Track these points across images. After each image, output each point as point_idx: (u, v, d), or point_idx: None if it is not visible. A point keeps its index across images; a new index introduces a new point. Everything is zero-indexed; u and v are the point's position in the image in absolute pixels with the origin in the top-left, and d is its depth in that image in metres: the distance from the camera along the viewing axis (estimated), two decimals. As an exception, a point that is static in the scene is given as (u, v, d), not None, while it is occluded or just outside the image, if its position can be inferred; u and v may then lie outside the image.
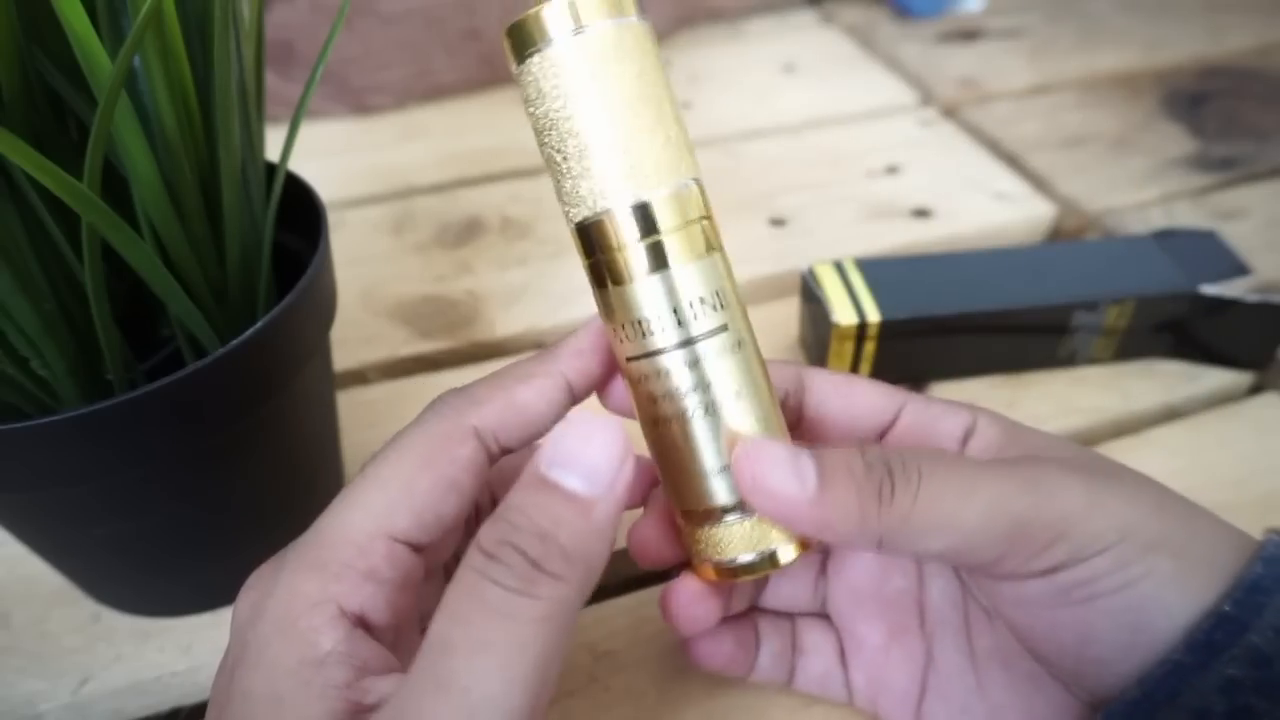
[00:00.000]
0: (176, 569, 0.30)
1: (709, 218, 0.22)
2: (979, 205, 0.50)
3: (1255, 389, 0.40)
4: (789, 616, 0.27)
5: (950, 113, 0.60)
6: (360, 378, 0.41)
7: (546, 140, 0.21)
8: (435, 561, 0.22)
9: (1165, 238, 0.40)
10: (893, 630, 0.25)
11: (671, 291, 0.21)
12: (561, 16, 0.20)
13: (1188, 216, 0.49)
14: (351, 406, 0.38)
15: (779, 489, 0.20)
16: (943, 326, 0.37)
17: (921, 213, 0.50)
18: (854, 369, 0.38)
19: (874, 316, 0.36)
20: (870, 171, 0.53)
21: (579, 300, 0.44)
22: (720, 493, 0.21)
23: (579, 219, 0.21)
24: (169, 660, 0.30)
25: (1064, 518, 0.20)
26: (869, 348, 0.37)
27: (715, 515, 0.22)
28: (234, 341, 0.24)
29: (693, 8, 0.70)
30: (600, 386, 0.24)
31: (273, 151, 0.29)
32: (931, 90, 0.62)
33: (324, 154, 0.57)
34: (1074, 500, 0.20)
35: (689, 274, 0.21)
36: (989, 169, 0.53)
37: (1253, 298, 0.37)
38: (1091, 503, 0.20)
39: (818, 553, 0.26)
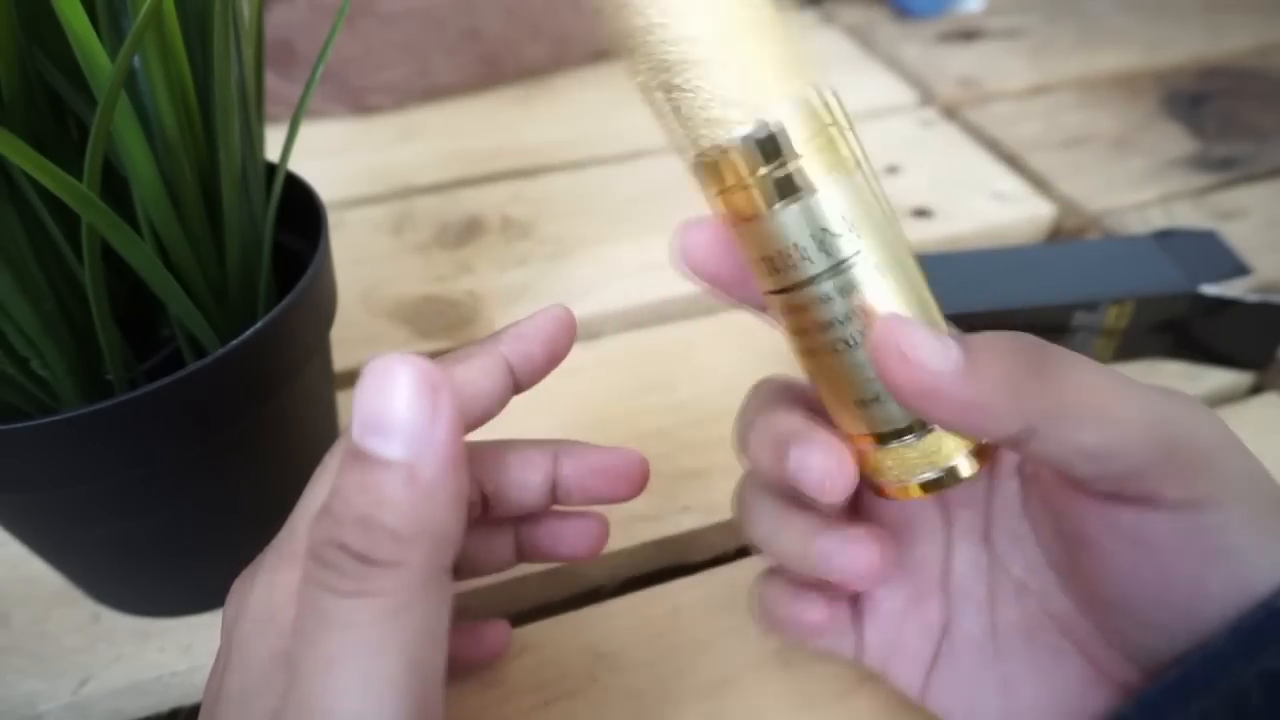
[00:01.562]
0: (177, 569, 0.30)
1: (838, 125, 0.20)
2: (979, 205, 0.50)
3: (1255, 389, 0.40)
4: None
5: (950, 113, 0.60)
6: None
7: (662, 62, 0.19)
8: None
9: (1165, 238, 0.40)
10: (913, 596, 0.25)
11: (812, 218, 0.19)
12: None
13: (1188, 216, 0.49)
14: (351, 406, 0.38)
15: (925, 361, 0.18)
16: (943, 326, 0.37)
17: (921, 213, 0.50)
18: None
19: (874, 316, 0.36)
20: (870, 171, 0.53)
21: (579, 300, 0.44)
22: (895, 415, 0.20)
23: (700, 151, 0.20)
24: (169, 660, 0.30)
25: (1212, 450, 0.19)
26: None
27: (890, 437, 0.21)
28: (234, 341, 0.24)
29: (693, 8, 0.70)
30: (541, 372, 0.23)
31: (273, 151, 0.29)
32: (931, 90, 0.62)
33: (324, 154, 0.57)
34: (1222, 437, 0.19)
35: (829, 196, 0.19)
36: (989, 169, 0.53)
37: (1253, 298, 0.37)
38: (1233, 446, 0.19)
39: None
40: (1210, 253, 0.39)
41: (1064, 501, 0.21)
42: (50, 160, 0.20)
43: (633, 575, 0.34)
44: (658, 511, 0.34)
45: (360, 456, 0.17)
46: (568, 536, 0.26)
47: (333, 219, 0.29)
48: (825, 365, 0.21)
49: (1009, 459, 0.24)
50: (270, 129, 0.29)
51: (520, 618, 0.31)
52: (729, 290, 0.22)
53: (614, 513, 0.34)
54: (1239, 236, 0.46)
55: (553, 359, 0.24)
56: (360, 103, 0.60)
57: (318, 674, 0.16)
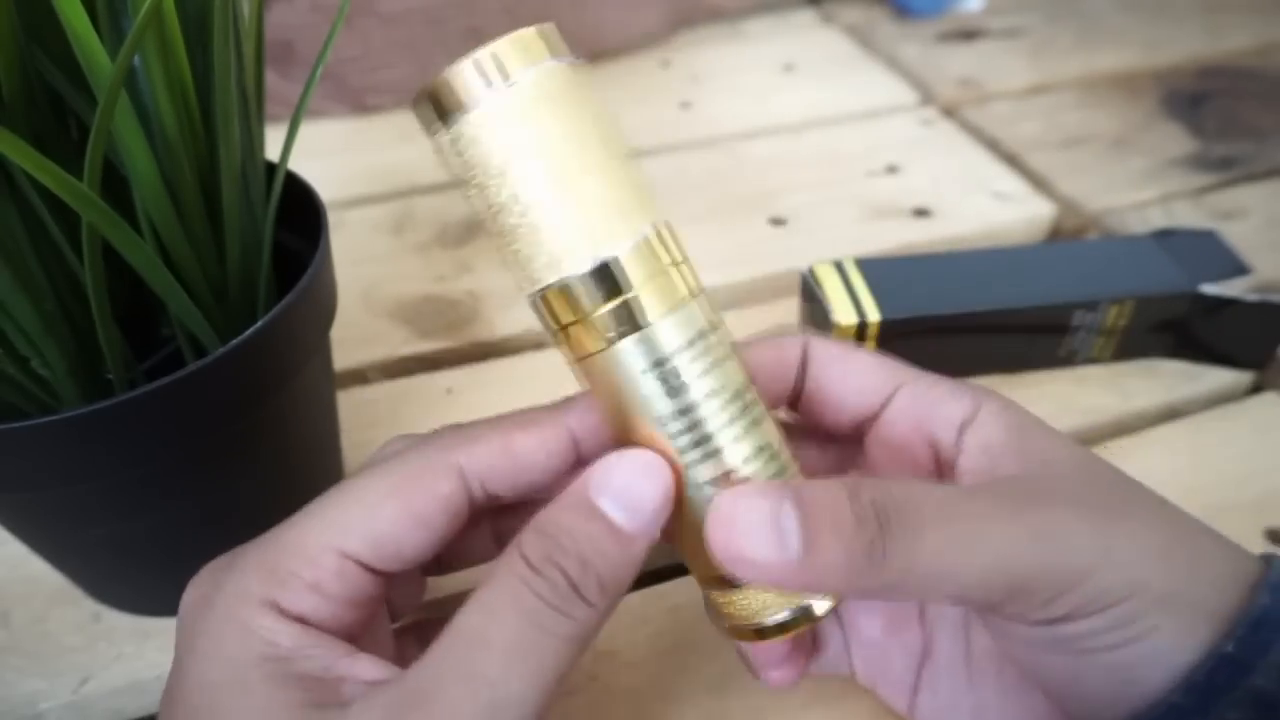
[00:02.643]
0: (177, 568, 0.29)
1: (675, 262, 0.20)
2: (979, 205, 0.50)
3: (1255, 389, 0.40)
4: None
5: (950, 112, 0.60)
6: (360, 378, 0.41)
7: (487, 209, 0.19)
8: (400, 575, 0.22)
9: (1165, 238, 0.40)
10: (892, 623, 0.25)
11: (648, 352, 0.19)
12: (479, 75, 0.18)
13: (1187, 216, 0.49)
14: (351, 406, 0.38)
15: (759, 557, 0.18)
16: (943, 326, 0.37)
17: (921, 212, 0.50)
18: (854, 369, 0.38)
19: (874, 316, 0.36)
20: (870, 171, 0.53)
21: (579, 300, 0.44)
22: None
23: (537, 289, 0.20)
24: (169, 660, 0.29)
25: (1073, 573, 0.19)
26: (869, 347, 0.37)
27: (738, 581, 0.21)
28: (234, 341, 0.24)
29: (693, 8, 0.70)
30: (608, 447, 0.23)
31: (273, 151, 0.29)
32: (931, 90, 0.62)
33: (324, 154, 0.57)
34: (1084, 555, 0.19)
35: (662, 331, 0.19)
36: (989, 169, 0.53)
37: (1253, 297, 0.37)
38: (1102, 557, 0.19)
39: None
40: (1210, 252, 0.39)
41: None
42: (50, 160, 0.20)
43: (633, 575, 0.33)
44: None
45: (594, 511, 0.20)
46: None
47: (333, 219, 0.29)
48: (681, 500, 0.20)
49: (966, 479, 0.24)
50: (270, 129, 0.29)
51: (520, 617, 0.31)
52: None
53: (614, 512, 0.34)
54: (1239, 236, 0.46)
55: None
56: (360, 103, 0.60)
57: (503, 651, 0.18)
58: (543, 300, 0.20)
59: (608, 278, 0.19)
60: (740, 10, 0.72)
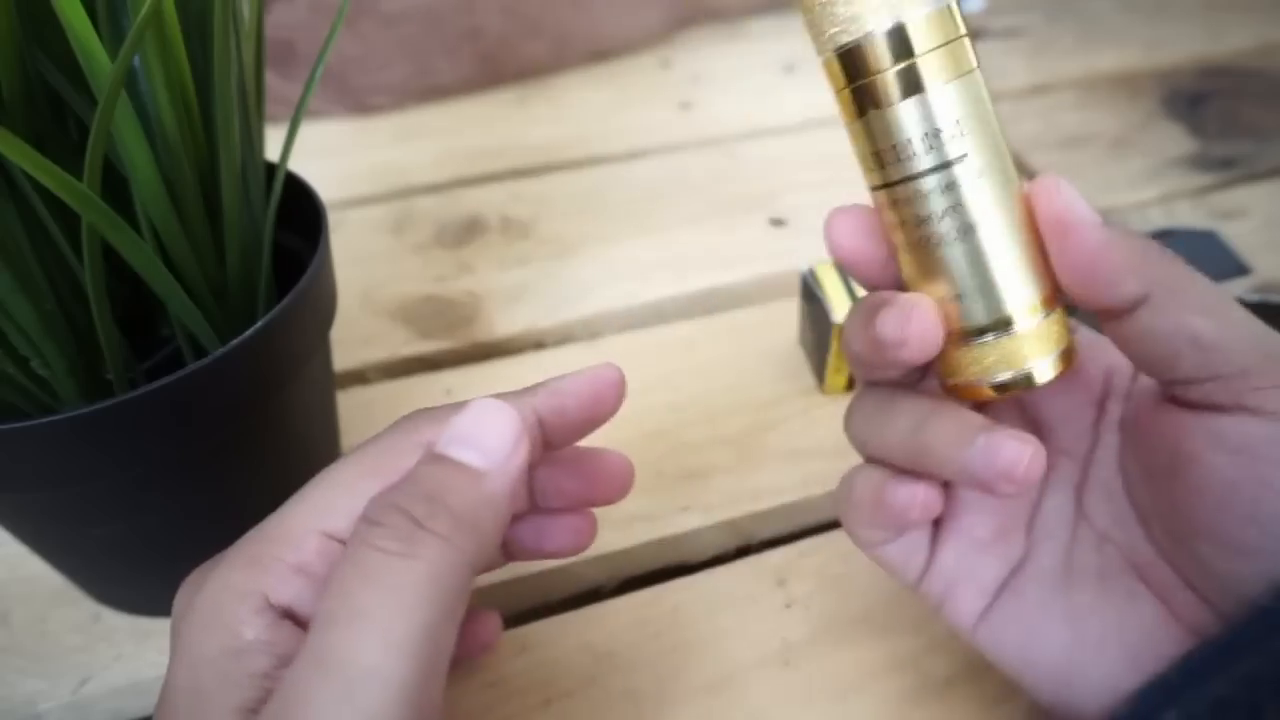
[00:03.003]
0: (177, 569, 0.29)
1: (964, 36, 0.21)
2: (979, 205, 0.50)
3: (1255, 389, 0.40)
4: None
5: (950, 113, 0.60)
6: (360, 378, 0.41)
7: None
8: None
9: (1165, 238, 0.40)
10: (998, 529, 0.25)
11: (928, 115, 0.20)
12: None
13: (1188, 216, 0.49)
14: (351, 406, 0.38)
15: (1072, 201, 0.20)
16: (943, 326, 0.37)
17: (921, 213, 0.50)
18: (854, 369, 0.38)
19: (874, 316, 0.36)
20: (870, 171, 0.53)
21: (579, 300, 0.44)
22: (978, 312, 0.21)
23: (835, 46, 0.21)
24: (168, 661, 0.30)
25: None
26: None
27: (972, 335, 0.22)
28: (234, 341, 0.24)
29: (693, 8, 0.70)
30: (576, 432, 0.23)
31: (273, 151, 0.29)
32: (931, 90, 0.62)
33: (324, 154, 0.57)
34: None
35: (945, 97, 0.20)
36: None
37: (1253, 298, 0.37)
38: None
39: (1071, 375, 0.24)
40: (1210, 253, 0.39)
41: (1165, 422, 0.22)
42: (50, 160, 0.20)
43: (632, 575, 0.34)
44: (658, 511, 0.34)
45: (440, 458, 0.19)
46: (553, 532, 0.25)
47: (333, 219, 0.29)
48: (919, 260, 0.22)
49: (1114, 413, 0.24)
50: (270, 129, 0.29)
51: (519, 618, 0.31)
52: (867, 275, 0.23)
53: (614, 512, 0.34)
54: (1239, 236, 0.46)
55: (591, 421, 0.23)
56: (360, 103, 0.60)
57: (343, 624, 0.17)
58: (838, 58, 0.21)
59: (902, 38, 0.20)
60: (741, 10, 0.72)
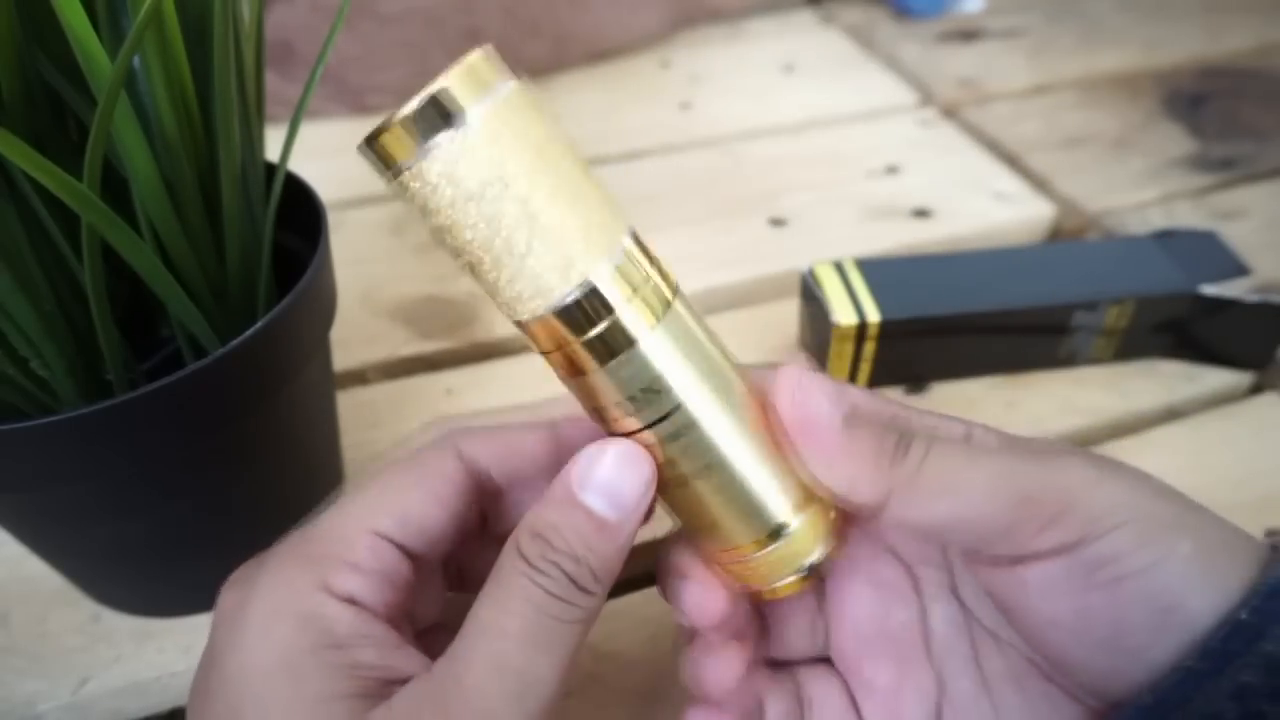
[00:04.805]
0: (176, 569, 0.30)
1: (650, 275, 0.20)
2: (979, 205, 0.50)
3: (1255, 389, 0.40)
4: (789, 670, 0.26)
5: (950, 113, 0.60)
6: (360, 378, 0.41)
7: (458, 248, 0.19)
8: (424, 569, 0.23)
9: (1165, 238, 0.40)
10: (901, 666, 0.24)
11: (645, 366, 0.19)
12: (430, 116, 0.17)
13: (1188, 217, 0.49)
14: (351, 406, 0.38)
15: (816, 403, 0.21)
16: (943, 326, 0.37)
17: (921, 213, 0.50)
18: (854, 369, 0.38)
19: (874, 317, 0.36)
20: (870, 171, 0.53)
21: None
22: (758, 525, 0.21)
23: (522, 318, 0.20)
24: (169, 660, 0.30)
25: (1071, 488, 0.20)
26: (869, 348, 0.37)
27: (747, 551, 0.22)
28: (234, 341, 0.24)
29: (693, 8, 0.70)
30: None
31: (273, 151, 0.29)
32: (931, 90, 0.62)
33: (324, 154, 0.56)
34: (1080, 475, 0.20)
35: (657, 341, 0.19)
36: (989, 169, 0.53)
37: (1253, 298, 0.37)
38: (1099, 479, 0.20)
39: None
40: (1210, 253, 0.39)
41: (976, 571, 0.22)
42: (50, 160, 0.20)
43: (633, 575, 0.33)
44: (658, 511, 0.34)
45: (578, 505, 0.20)
46: None
47: (333, 219, 0.29)
48: (689, 493, 0.21)
49: None
50: (270, 129, 0.29)
51: (520, 618, 0.31)
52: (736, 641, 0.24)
53: (614, 513, 0.34)
54: (1239, 236, 0.46)
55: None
56: (360, 103, 0.60)
57: (523, 641, 0.19)
58: (529, 328, 0.20)
59: (594, 301, 0.19)
60: (740, 10, 0.72)
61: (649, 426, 0.20)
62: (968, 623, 0.24)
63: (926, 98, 0.62)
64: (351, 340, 0.42)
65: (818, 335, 0.38)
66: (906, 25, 0.71)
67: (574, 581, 0.20)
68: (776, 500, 0.21)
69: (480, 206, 0.18)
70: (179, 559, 0.29)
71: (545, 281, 0.19)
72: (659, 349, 0.19)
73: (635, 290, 0.19)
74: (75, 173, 0.21)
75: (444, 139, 0.17)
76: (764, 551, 0.21)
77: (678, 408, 0.20)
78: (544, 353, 0.20)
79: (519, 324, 0.20)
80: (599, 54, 0.66)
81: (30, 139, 0.20)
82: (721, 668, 0.23)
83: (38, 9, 0.22)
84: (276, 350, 0.26)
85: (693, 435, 0.20)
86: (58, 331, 0.25)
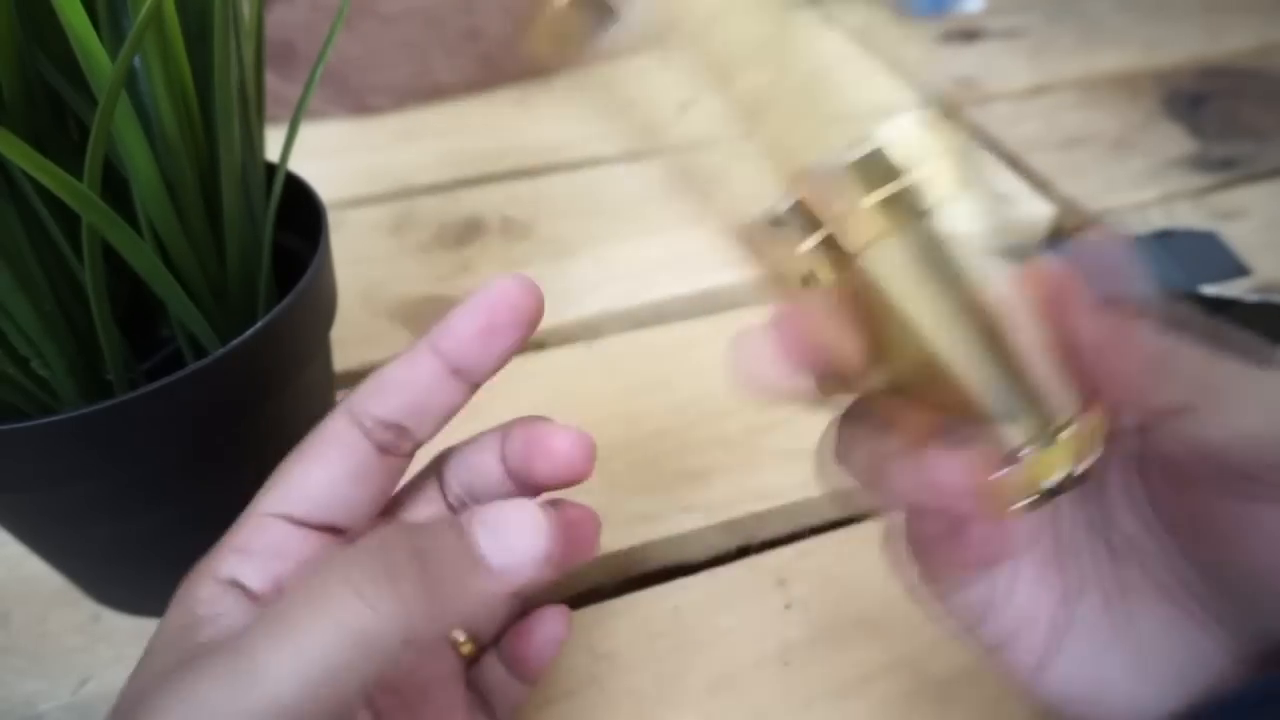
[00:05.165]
0: (177, 569, 0.29)
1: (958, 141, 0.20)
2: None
3: (1255, 389, 0.40)
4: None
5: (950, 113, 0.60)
6: (360, 378, 0.41)
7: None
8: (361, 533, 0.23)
9: (1165, 238, 0.40)
10: (1044, 560, 0.23)
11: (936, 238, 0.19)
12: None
13: (1188, 217, 0.49)
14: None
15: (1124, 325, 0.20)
16: (943, 327, 0.37)
17: (921, 213, 0.50)
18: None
19: (874, 316, 0.36)
20: (870, 172, 0.53)
21: (579, 300, 0.44)
22: (1041, 417, 0.20)
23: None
24: (169, 660, 0.30)
25: None
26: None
27: (1038, 440, 0.20)
28: (234, 341, 0.24)
29: (693, 8, 0.70)
30: (490, 363, 0.23)
31: (273, 151, 0.29)
32: (932, 91, 0.62)
33: (324, 154, 0.57)
34: None
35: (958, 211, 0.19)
36: (989, 169, 0.53)
37: (1253, 298, 0.37)
38: None
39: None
40: (1210, 253, 0.39)
41: (1198, 498, 0.20)
42: (50, 160, 0.20)
43: (632, 575, 0.34)
44: (658, 511, 0.34)
45: (460, 528, 0.19)
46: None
47: (333, 219, 0.29)
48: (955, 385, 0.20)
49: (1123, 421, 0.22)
50: (270, 129, 0.29)
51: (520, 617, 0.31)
52: (783, 393, 0.22)
53: (614, 513, 0.34)
54: (1239, 236, 0.46)
55: (500, 349, 0.22)
56: (360, 103, 0.60)
57: (270, 623, 0.18)
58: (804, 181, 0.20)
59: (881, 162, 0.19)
60: (740, 10, 0.72)
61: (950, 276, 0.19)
62: (1104, 525, 0.23)
63: (927, 98, 0.62)
64: (351, 340, 0.42)
65: (818, 335, 0.38)
66: (906, 25, 0.71)
67: (392, 576, 0.18)
68: (1064, 392, 0.20)
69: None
70: (179, 559, 0.29)
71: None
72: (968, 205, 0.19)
73: (939, 155, 0.19)
74: (75, 173, 0.21)
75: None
76: (1047, 449, 0.20)
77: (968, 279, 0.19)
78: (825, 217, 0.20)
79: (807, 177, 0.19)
80: (598, 54, 0.65)
81: (30, 139, 0.20)
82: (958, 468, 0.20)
83: (38, 9, 0.22)
84: (277, 350, 0.26)
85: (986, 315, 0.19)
86: (58, 331, 0.25)
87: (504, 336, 0.22)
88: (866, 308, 0.20)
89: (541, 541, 0.19)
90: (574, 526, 0.23)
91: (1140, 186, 0.52)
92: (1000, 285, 0.19)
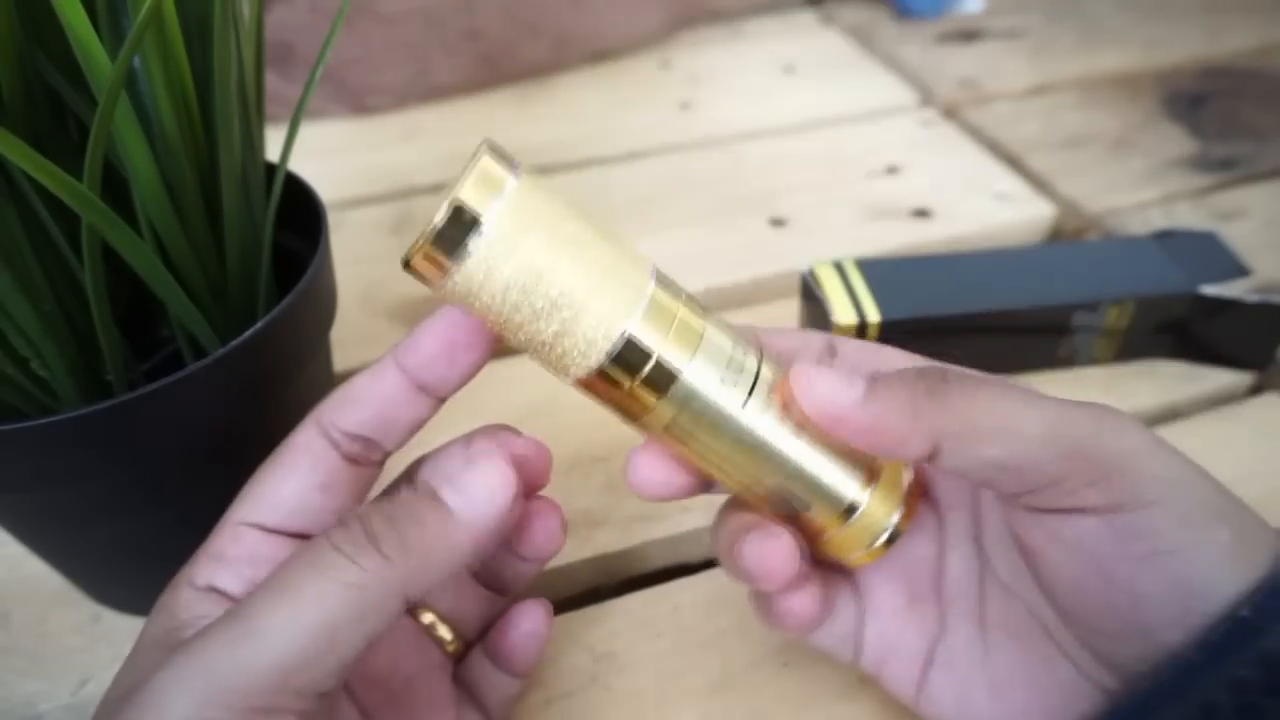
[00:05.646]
0: (176, 570, 0.29)
1: (681, 297, 0.21)
2: (979, 206, 0.50)
3: (1255, 389, 0.40)
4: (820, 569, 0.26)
5: (950, 113, 0.60)
6: (360, 378, 0.41)
7: (507, 331, 0.21)
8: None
9: (1165, 238, 0.40)
10: (912, 596, 0.25)
11: (693, 394, 0.21)
12: (453, 233, 0.19)
13: (1188, 217, 0.49)
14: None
15: (829, 395, 0.21)
16: (943, 327, 0.37)
17: (921, 213, 0.50)
18: (854, 369, 0.38)
19: (874, 317, 0.36)
20: (870, 172, 0.53)
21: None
22: (831, 506, 0.23)
23: (577, 378, 0.21)
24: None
25: (1126, 452, 0.20)
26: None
27: (839, 521, 0.23)
28: (234, 342, 0.24)
29: (693, 8, 0.70)
30: (453, 377, 0.23)
31: (273, 151, 0.29)
32: (932, 91, 0.62)
33: (324, 154, 0.57)
34: (1135, 441, 0.20)
35: (699, 368, 0.21)
36: (989, 170, 0.53)
37: (1253, 298, 0.37)
38: (1153, 450, 0.20)
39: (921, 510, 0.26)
40: (1210, 253, 0.39)
41: (1010, 515, 0.22)
42: (50, 160, 0.20)
43: (632, 575, 0.34)
44: (657, 512, 0.34)
45: (424, 487, 0.21)
46: (526, 538, 0.25)
47: (333, 219, 0.29)
48: (769, 492, 0.23)
49: None
50: (270, 129, 0.29)
51: (520, 618, 0.31)
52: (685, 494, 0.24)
53: (614, 512, 0.34)
54: (1239, 236, 0.46)
55: (463, 367, 0.23)
56: (360, 103, 0.60)
57: (268, 588, 0.19)
58: (585, 386, 0.21)
59: (633, 347, 0.20)
60: (740, 11, 0.72)
61: (733, 422, 0.21)
62: (983, 570, 0.24)
63: (927, 98, 0.62)
64: (351, 340, 0.42)
65: (818, 335, 0.38)
66: (907, 26, 0.71)
67: (372, 538, 0.19)
68: (843, 481, 0.22)
69: (518, 296, 0.20)
70: (179, 559, 0.29)
71: (590, 344, 0.20)
72: (700, 375, 0.21)
73: (668, 329, 0.21)
74: (75, 173, 0.21)
75: (471, 248, 0.19)
76: (842, 528, 0.23)
77: (754, 384, 0.21)
78: (609, 399, 0.22)
79: (584, 379, 0.21)
80: (599, 54, 0.65)
81: (30, 139, 0.20)
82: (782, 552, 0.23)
83: (38, 9, 0.22)
84: (276, 350, 0.26)
85: (765, 426, 0.22)
86: (58, 331, 0.25)
87: (466, 354, 0.22)
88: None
89: (497, 482, 0.21)
90: (525, 461, 0.24)
91: (1140, 186, 0.52)
92: (765, 412, 0.22)
